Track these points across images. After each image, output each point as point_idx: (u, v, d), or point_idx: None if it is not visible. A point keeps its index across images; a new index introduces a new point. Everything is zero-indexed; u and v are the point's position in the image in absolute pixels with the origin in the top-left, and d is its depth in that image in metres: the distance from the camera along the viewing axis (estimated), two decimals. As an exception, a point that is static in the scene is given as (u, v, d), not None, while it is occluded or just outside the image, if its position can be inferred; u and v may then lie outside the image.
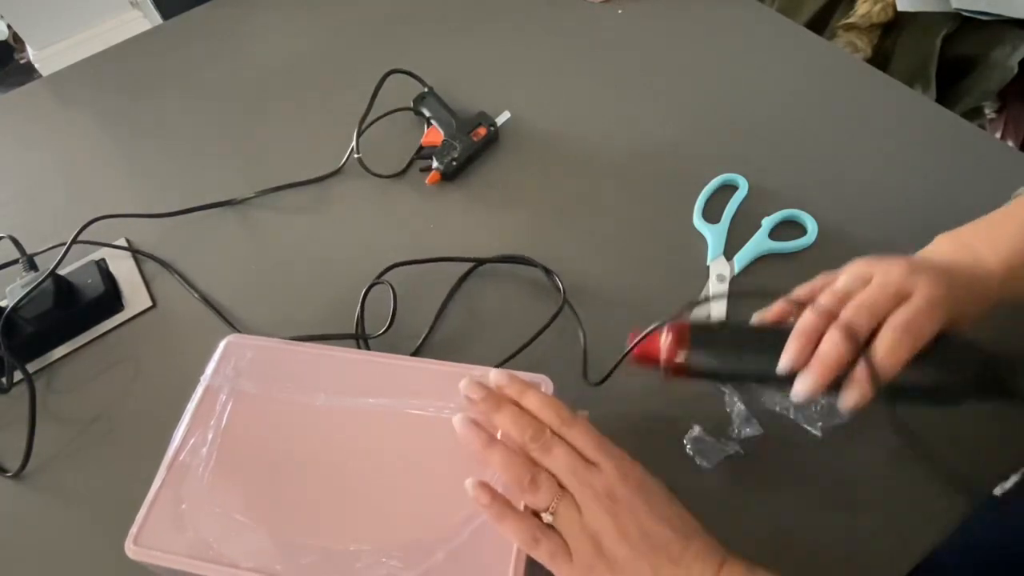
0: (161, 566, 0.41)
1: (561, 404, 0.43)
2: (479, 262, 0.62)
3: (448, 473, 0.42)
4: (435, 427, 0.44)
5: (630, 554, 0.38)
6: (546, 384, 0.45)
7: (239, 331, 0.61)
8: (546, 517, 0.40)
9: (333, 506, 0.42)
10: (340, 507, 0.42)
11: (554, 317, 0.57)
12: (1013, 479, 0.46)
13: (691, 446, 0.51)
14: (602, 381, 0.50)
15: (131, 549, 0.41)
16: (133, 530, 0.42)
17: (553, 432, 0.42)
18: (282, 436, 0.45)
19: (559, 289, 0.59)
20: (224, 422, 0.45)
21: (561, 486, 0.40)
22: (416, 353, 0.58)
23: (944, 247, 0.47)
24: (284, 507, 0.42)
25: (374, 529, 0.41)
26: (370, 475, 0.43)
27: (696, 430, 0.51)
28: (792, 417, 0.51)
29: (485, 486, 0.41)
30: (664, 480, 0.42)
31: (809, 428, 0.50)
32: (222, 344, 0.49)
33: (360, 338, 0.58)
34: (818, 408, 0.50)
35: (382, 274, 0.61)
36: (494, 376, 0.44)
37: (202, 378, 0.48)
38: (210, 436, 0.45)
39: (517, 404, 0.43)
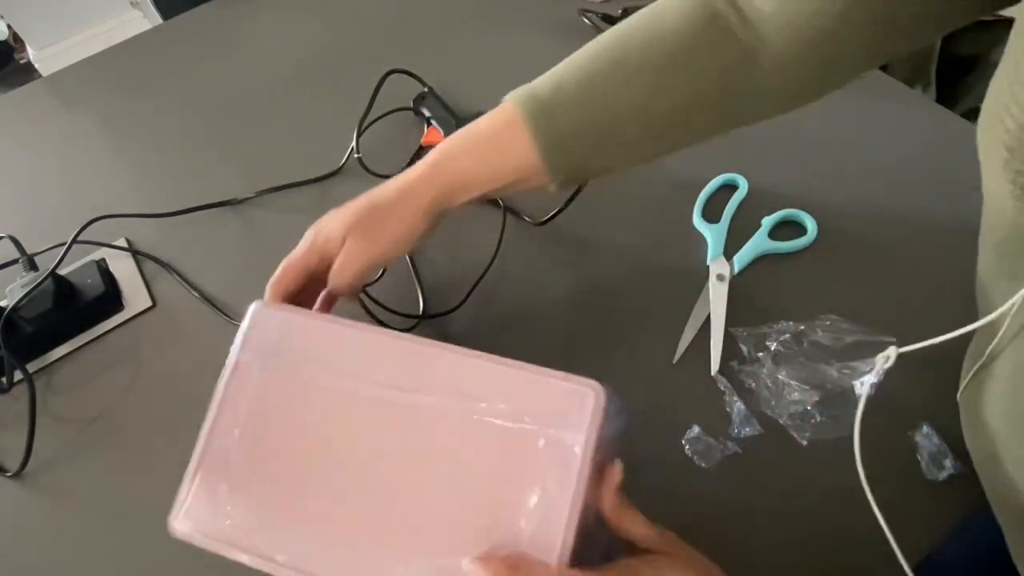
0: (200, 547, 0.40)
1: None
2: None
3: (491, 479, 0.38)
4: (478, 430, 0.39)
5: None
6: (596, 392, 0.38)
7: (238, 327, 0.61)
8: None
9: (365, 502, 0.40)
10: (373, 503, 0.40)
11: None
12: None
13: (690, 446, 0.51)
14: None
15: (177, 526, 0.40)
16: (177, 509, 0.41)
17: None
18: (315, 421, 0.42)
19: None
20: (254, 401, 0.43)
21: None
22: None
23: None
24: (315, 498, 0.40)
25: (407, 532, 0.38)
26: (408, 473, 0.40)
27: (695, 430, 0.51)
28: (782, 423, 0.51)
29: None
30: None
31: (796, 436, 0.51)
32: (249, 311, 0.45)
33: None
34: (811, 421, 0.50)
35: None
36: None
37: (231, 350, 0.44)
38: (242, 417, 0.42)
39: None
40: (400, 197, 0.48)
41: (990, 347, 0.39)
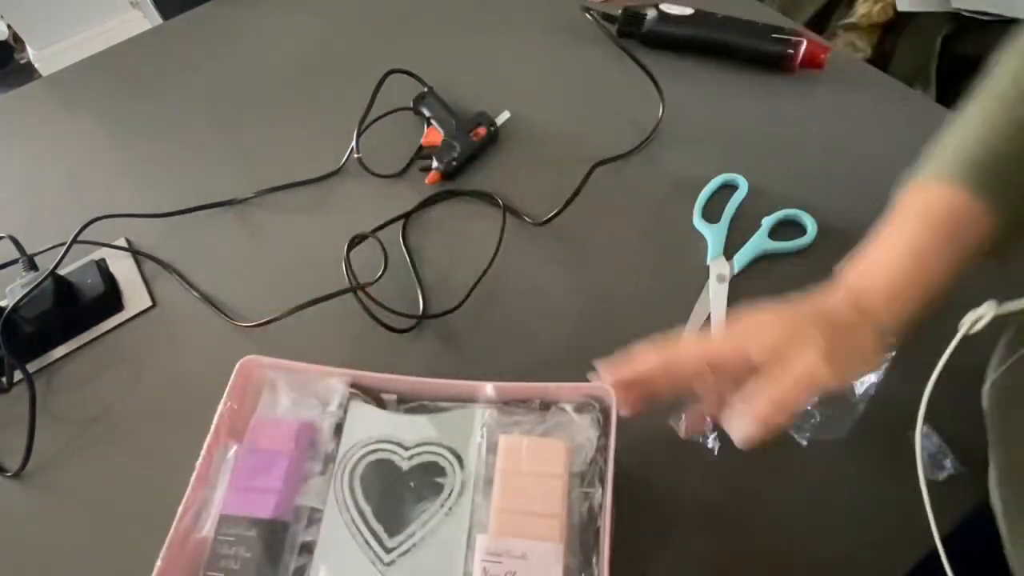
0: None
1: None
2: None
3: None
4: None
5: None
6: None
7: (238, 327, 0.61)
8: None
9: None
10: None
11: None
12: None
13: (690, 446, 0.51)
14: None
15: None
16: None
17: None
18: None
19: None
20: None
21: None
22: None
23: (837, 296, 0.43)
24: None
25: None
26: None
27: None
28: None
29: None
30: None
31: (796, 436, 0.51)
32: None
33: (353, 290, 0.58)
34: (811, 421, 0.50)
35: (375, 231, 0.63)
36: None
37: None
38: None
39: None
40: (859, 316, 0.40)
41: None
